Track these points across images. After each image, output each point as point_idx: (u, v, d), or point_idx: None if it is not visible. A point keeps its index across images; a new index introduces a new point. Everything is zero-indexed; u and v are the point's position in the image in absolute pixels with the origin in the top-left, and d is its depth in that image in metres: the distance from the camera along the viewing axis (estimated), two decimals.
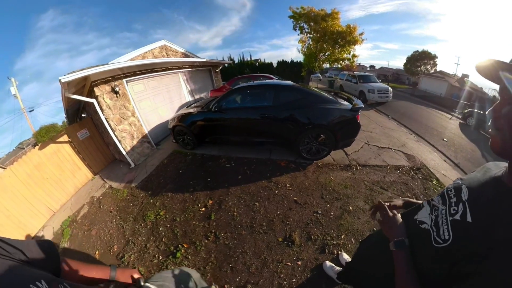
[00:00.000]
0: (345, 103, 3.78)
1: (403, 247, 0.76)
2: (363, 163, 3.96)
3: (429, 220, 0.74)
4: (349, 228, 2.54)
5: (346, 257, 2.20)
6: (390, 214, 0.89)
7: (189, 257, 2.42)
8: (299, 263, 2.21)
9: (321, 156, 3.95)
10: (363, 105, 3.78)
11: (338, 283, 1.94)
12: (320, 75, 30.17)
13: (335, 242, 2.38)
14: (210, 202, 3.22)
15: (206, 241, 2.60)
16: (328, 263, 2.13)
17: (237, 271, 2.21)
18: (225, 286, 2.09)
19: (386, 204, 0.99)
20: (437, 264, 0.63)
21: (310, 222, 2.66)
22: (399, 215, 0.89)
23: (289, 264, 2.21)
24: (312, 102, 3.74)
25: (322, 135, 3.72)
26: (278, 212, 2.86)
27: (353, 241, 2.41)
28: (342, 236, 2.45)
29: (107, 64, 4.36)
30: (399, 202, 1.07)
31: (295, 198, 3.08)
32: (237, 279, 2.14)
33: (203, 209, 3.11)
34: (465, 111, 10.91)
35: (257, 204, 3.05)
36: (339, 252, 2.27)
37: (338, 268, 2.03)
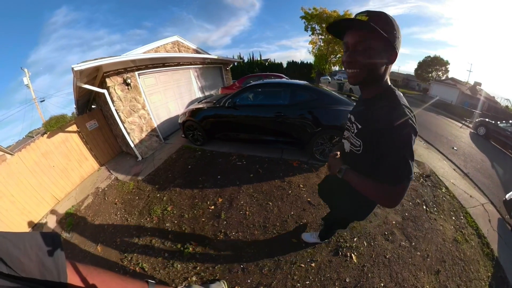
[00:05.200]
0: None
1: (345, 171, 1.04)
2: None
3: (348, 144, 1.12)
4: (362, 231, 2.49)
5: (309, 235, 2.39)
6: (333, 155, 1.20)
7: (197, 256, 2.32)
8: (313, 265, 2.12)
9: None
10: None
11: (321, 243, 2.28)
12: (329, 78, 29.90)
13: (348, 245, 2.31)
14: (220, 200, 3.12)
15: (216, 240, 2.50)
16: (306, 233, 2.37)
17: (249, 272, 2.11)
18: (236, 287, 1.99)
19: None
20: (364, 160, 0.99)
21: None
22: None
23: (303, 265, 2.12)
24: (327, 103, 3.63)
25: (336, 137, 3.61)
26: (292, 213, 2.76)
27: (365, 244, 2.35)
28: (355, 239, 2.39)
29: (121, 55, 4.32)
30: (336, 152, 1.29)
31: (308, 199, 2.97)
32: (249, 281, 2.04)
33: (213, 207, 3.01)
34: (476, 120, 10.66)
35: (271, 203, 2.95)
36: (303, 233, 2.42)
37: (316, 233, 2.28)
